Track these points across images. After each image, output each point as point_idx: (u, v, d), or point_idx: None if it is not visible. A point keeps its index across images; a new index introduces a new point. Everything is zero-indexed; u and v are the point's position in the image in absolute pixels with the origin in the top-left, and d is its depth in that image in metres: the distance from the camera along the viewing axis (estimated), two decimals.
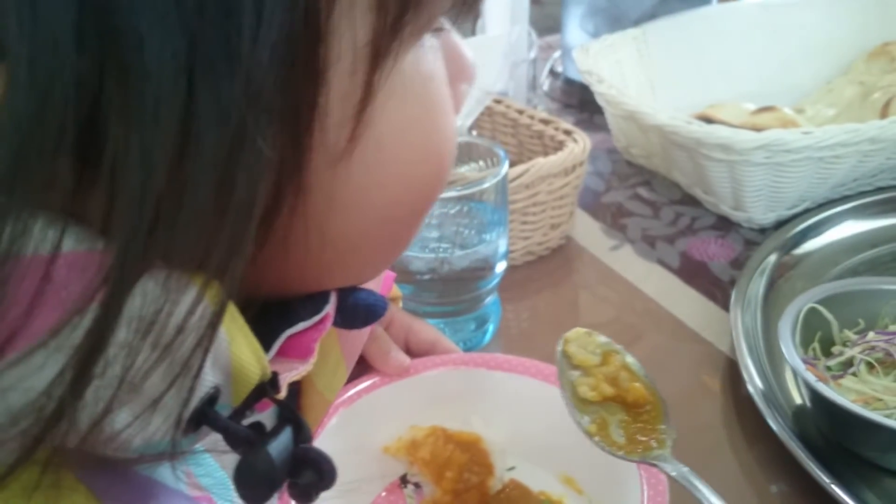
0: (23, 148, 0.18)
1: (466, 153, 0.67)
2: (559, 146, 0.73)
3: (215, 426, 0.24)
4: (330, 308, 0.30)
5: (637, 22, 0.95)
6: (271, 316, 0.28)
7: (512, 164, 0.69)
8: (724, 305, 0.65)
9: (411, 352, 0.55)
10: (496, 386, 0.52)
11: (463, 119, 0.80)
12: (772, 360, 0.57)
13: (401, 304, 0.59)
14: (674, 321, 0.66)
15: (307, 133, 0.23)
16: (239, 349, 0.24)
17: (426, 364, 0.53)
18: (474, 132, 0.86)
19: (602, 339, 0.45)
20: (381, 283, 0.54)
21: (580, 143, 0.71)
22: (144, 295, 0.20)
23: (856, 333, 0.55)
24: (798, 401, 0.54)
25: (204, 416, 0.23)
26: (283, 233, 0.25)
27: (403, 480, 0.51)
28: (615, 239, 0.76)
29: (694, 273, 0.71)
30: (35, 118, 0.18)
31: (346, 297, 0.32)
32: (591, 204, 0.82)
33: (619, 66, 0.89)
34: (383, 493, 0.51)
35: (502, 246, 0.61)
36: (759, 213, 0.73)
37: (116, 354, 0.20)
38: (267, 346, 0.27)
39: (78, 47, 0.18)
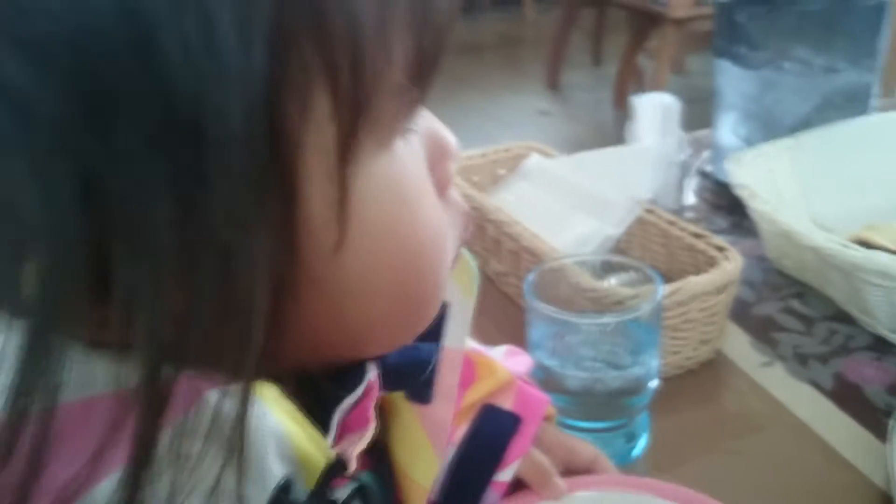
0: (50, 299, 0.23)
1: (619, 265, 0.69)
2: (711, 262, 0.74)
3: None
4: (371, 375, 0.34)
5: (791, 128, 0.95)
6: (324, 398, 0.33)
7: (662, 274, 0.71)
8: (880, 434, 0.64)
9: (571, 472, 0.57)
10: None
11: (614, 228, 0.83)
12: None
13: (555, 422, 0.61)
14: (824, 447, 0.65)
15: (293, 237, 0.27)
16: (301, 443, 0.28)
17: (579, 483, 0.56)
18: (623, 237, 0.88)
19: None
20: (536, 409, 0.57)
21: (732, 262, 0.72)
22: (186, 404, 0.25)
23: None
24: None
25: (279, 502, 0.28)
26: (305, 319, 0.29)
27: None
28: (766, 355, 0.77)
29: (848, 396, 0.70)
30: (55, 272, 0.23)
31: (387, 359, 0.36)
32: (741, 315, 0.83)
33: (771, 176, 0.90)
34: None
35: (654, 365, 0.63)
36: None
37: (163, 459, 0.25)
38: (326, 428, 0.32)
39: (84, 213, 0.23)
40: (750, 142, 0.95)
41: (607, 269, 0.71)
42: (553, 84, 3.93)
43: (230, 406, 0.26)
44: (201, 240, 0.24)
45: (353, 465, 0.32)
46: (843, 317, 0.80)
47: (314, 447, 0.29)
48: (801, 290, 0.85)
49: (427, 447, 0.43)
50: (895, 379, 0.72)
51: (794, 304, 0.83)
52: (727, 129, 1.01)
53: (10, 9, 0.22)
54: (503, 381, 0.58)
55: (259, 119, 0.24)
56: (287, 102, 0.26)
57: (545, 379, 0.63)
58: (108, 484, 0.25)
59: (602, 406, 0.63)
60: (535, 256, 0.77)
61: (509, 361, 0.60)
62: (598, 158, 0.95)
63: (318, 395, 0.33)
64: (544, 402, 0.58)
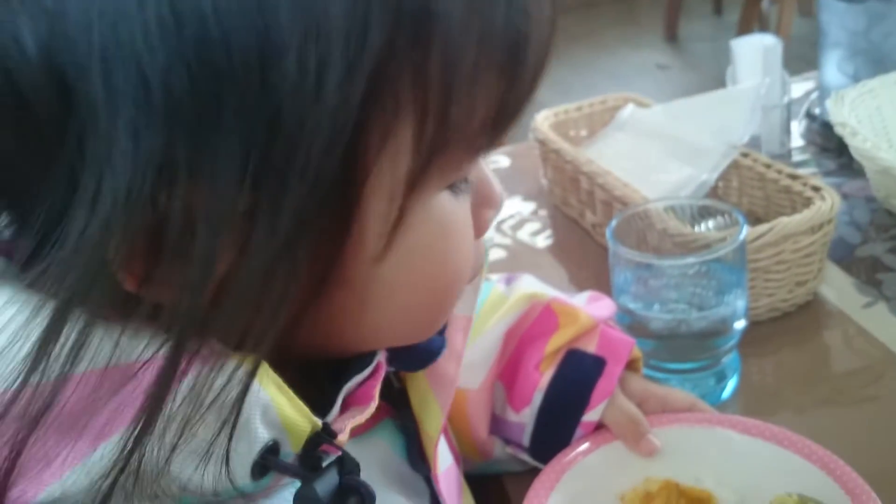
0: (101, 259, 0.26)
1: (706, 211, 0.69)
2: (807, 203, 0.73)
3: (277, 468, 0.32)
4: (379, 359, 0.39)
5: None
6: (336, 377, 0.37)
7: (759, 220, 0.71)
8: None
9: None
10: (731, 447, 0.55)
11: (708, 174, 0.82)
12: None
13: (642, 368, 0.62)
14: None
15: (343, 243, 0.31)
16: (286, 411, 0.32)
17: (664, 420, 0.57)
18: (720, 183, 0.87)
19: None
20: (620, 350, 0.58)
21: (828, 201, 0.71)
22: (196, 370, 0.28)
23: None
24: None
25: (266, 462, 0.31)
26: (327, 317, 0.34)
27: None
28: (869, 296, 0.75)
29: None
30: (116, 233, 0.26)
31: (403, 347, 0.40)
32: (845, 257, 0.80)
33: (879, 113, 0.86)
34: None
35: (741, 306, 0.63)
36: None
37: (172, 416, 0.28)
38: (333, 402, 0.36)
39: (161, 183, 0.27)
40: (857, 79, 0.91)
41: (702, 214, 0.71)
42: (671, 36, 3.81)
43: (225, 376, 0.29)
44: (267, 229, 0.28)
45: (345, 437, 0.35)
46: None
47: (299, 415, 0.33)
48: None
49: (433, 400, 0.47)
50: None
51: None
52: (833, 67, 0.97)
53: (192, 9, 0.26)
54: (586, 326, 0.60)
55: (343, 141, 0.29)
56: (372, 132, 0.30)
57: (630, 324, 0.64)
58: (103, 450, 0.28)
59: (688, 348, 0.64)
60: (626, 206, 0.78)
61: (592, 307, 0.62)
62: (694, 104, 0.93)
63: (328, 372, 0.38)
64: (628, 344, 0.59)
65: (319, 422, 0.34)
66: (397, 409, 0.48)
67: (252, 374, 0.30)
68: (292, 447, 0.33)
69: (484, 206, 0.40)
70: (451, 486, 0.51)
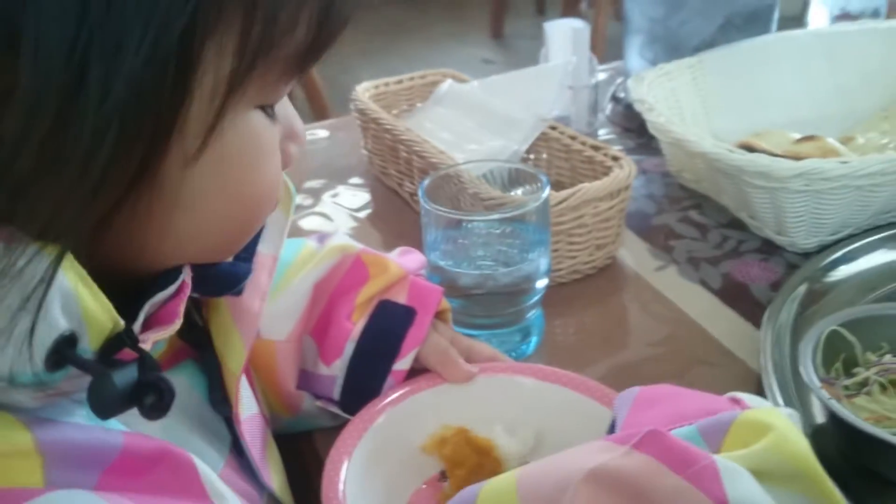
0: None
1: (516, 178, 0.72)
2: (607, 172, 0.77)
3: (72, 361, 0.31)
4: (185, 277, 0.38)
5: (696, 50, 0.98)
6: (141, 293, 0.36)
7: (563, 188, 0.74)
8: (760, 326, 0.68)
9: None
10: (526, 393, 0.57)
11: (519, 144, 0.85)
12: (798, 380, 0.60)
13: (450, 317, 0.63)
14: (710, 339, 0.69)
15: (167, 136, 0.31)
16: (87, 303, 0.31)
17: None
18: (531, 156, 0.91)
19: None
20: (429, 299, 0.59)
21: (626, 169, 0.75)
22: None
23: (878, 356, 0.58)
24: (820, 420, 0.57)
25: (63, 354, 0.30)
26: (138, 217, 0.33)
27: (443, 475, 0.57)
28: (661, 260, 0.80)
29: (734, 294, 0.74)
30: None
31: (209, 268, 0.41)
32: (642, 226, 0.86)
33: (674, 94, 0.92)
34: (423, 486, 0.56)
35: (543, 264, 0.66)
36: (802, 238, 0.76)
37: None
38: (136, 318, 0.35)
39: None
40: (656, 64, 0.97)
41: (513, 182, 0.73)
42: (497, 33, 3.93)
43: (27, 258, 0.28)
44: (94, 105, 0.27)
45: (147, 346, 0.34)
46: (736, 224, 0.84)
47: (101, 310, 0.31)
48: (699, 201, 0.89)
49: (236, 336, 0.46)
50: (779, 277, 0.76)
51: (692, 215, 0.87)
52: (635, 53, 1.03)
53: None
54: (396, 276, 0.60)
55: (180, 23, 0.29)
56: (204, 21, 0.30)
57: (441, 282, 0.65)
58: None
59: (495, 304, 0.66)
60: None
61: (402, 259, 0.63)
62: (508, 80, 0.97)
63: (134, 291, 0.36)
64: (437, 293, 0.60)
65: (122, 322, 0.33)
66: (200, 350, 0.46)
67: (57, 261, 0.29)
68: (91, 343, 0.31)
69: (289, 139, 0.42)
70: (255, 434, 0.50)
